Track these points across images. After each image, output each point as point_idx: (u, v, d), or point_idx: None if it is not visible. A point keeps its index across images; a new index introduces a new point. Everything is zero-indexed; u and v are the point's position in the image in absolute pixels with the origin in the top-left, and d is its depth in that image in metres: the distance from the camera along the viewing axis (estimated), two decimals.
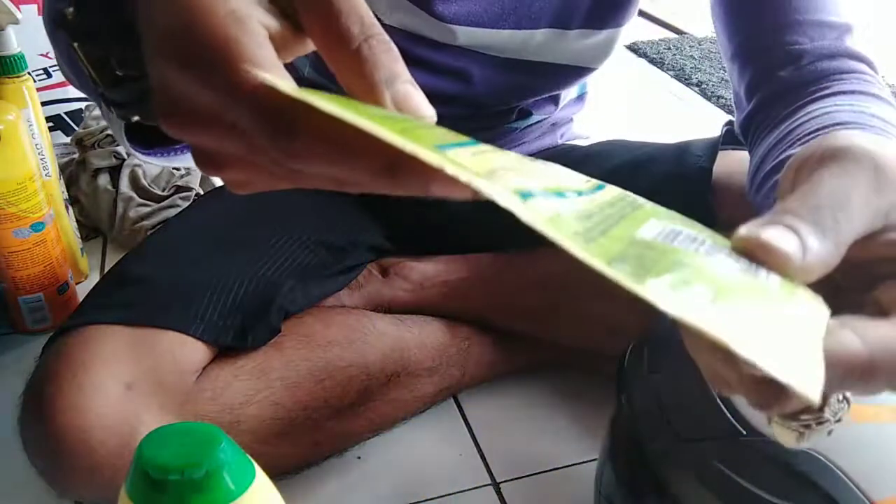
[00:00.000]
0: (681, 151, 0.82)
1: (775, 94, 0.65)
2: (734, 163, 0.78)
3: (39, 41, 1.24)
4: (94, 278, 1.03)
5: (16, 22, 0.88)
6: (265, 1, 0.32)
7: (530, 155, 0.91)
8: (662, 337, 0.54)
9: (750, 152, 0.67)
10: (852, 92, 0.61)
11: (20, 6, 0.93)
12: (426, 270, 0.84)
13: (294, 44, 0.33)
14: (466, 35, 0.77)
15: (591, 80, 0.97)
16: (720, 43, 0.72)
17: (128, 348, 0.64)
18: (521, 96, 0.84)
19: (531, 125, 0.90)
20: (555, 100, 0.89)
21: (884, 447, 0.43)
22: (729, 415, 0.47)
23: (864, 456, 0.43)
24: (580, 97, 0.95)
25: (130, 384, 0.63)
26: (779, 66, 0.65)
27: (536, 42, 0.79)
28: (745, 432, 0.46)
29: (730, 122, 0.82)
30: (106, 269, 0.96)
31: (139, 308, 0.67)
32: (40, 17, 1.22)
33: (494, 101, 0.84)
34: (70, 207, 1.02)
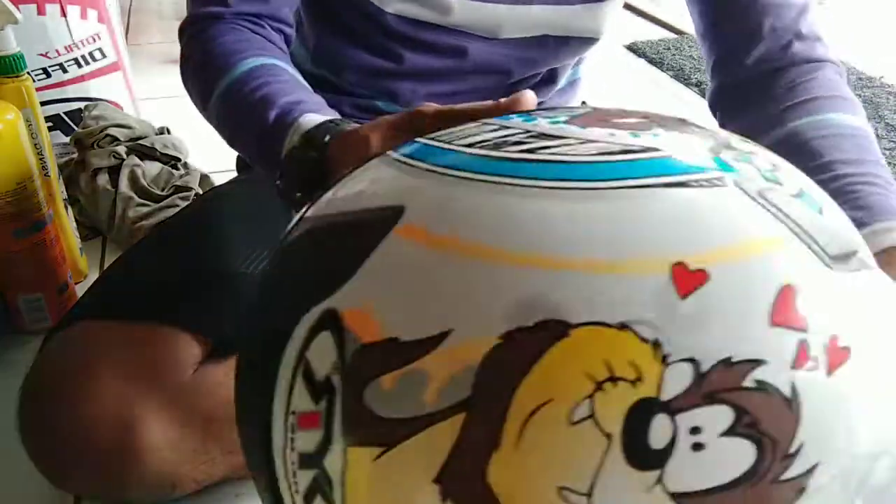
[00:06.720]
0: None
1: (736, 83, 0.76)
2: None
3: (39, 41, 1.24)
4: (94, 278, 1.03)
5: (15, 22, 0.88)
6: None
7: None
8: None
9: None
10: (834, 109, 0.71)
11: (20, 6, 0.93)
12: None
13: None
14: (463, 8, 0.76)
15: (589, 81, 0.96)
16: (693, 19, 0.80)
17: (125, 344, 0.64)
18: (520, 68, 0.84)
19: None
20: (552, 79, 0.89)
21: None
22: None
23: None
24: (573, 83, 0.95)
25: (128, 379, 0.63)
26: (740, 50, 0.76)
27: (534, 16, 0.78)
28: None
29: None
30: None
31: (134, 305, 0.67)
32: (40, 17, 1.23)
33: (490, 70, 0.82)
34: (69, 207, 1.02)
